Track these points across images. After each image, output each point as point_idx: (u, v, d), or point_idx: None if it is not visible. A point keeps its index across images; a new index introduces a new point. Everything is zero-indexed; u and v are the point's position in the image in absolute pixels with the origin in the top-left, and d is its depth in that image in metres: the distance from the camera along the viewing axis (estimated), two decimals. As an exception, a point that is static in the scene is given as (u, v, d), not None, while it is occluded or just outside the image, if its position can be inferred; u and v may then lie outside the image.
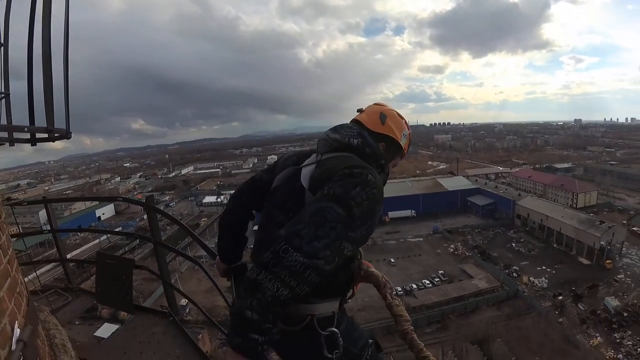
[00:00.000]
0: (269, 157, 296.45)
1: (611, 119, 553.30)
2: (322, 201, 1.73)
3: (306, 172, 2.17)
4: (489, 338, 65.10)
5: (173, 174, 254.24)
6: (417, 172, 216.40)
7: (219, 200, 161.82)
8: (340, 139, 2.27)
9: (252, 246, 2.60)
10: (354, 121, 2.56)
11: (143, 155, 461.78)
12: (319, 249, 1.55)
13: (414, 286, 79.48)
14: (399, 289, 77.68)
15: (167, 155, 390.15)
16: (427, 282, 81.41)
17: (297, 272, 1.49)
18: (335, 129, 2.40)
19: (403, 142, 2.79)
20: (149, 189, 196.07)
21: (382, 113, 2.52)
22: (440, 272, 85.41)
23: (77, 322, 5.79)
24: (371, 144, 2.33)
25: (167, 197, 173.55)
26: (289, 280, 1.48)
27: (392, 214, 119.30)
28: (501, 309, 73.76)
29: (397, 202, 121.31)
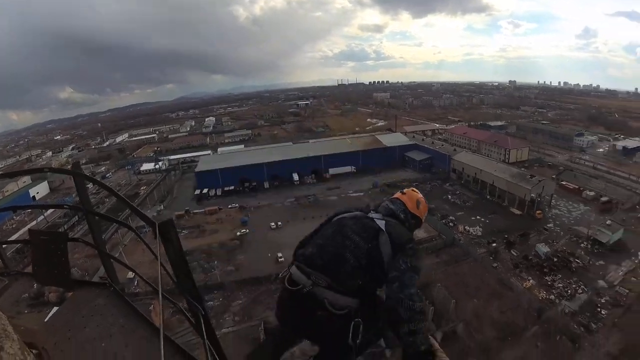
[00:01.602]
0: (206, 119, 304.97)
1: (545, 82, 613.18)
2: (411, 272, 3.95)
3: (378, 221, 4.20)
4: (429, 283, 73.22)
5: (107, 143, 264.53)
6: (357, 129, 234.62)
7: (157, 167, 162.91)
8: (395, 210, 4.45)
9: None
10: (396, 198, 4.67)
11: (74, 125, 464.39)
12: (419, 300, 3.79)
13: None
14: None
15: (99, 124, 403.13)
16: None
17: (420, 313, 3.69)
18: (392, 201, 4.58)
19: (423, 220, 4.79)
20: (83, 162, 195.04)
21: (418, 200, 4.62)
22: None
23: (25, 311, 5.94)
24: (409, 221, 4.51)
25: (102, 168, 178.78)
26: (421, 317, 3.70)
27: (332, 171, 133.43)
28: (440, 257, 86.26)
29: (338, 159, 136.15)
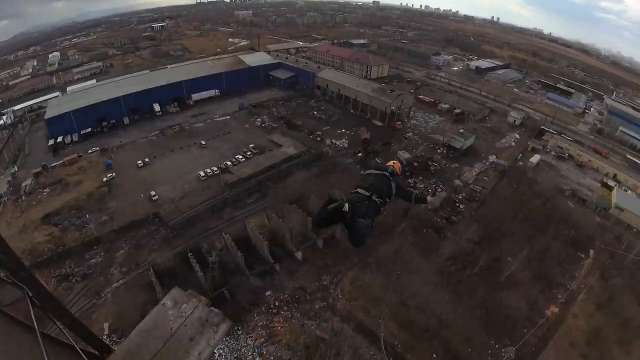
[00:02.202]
0: (50, 56, 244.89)
1: (407, 4, 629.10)
2: (403, 190, 10.01)
3: (388, 176, 9.77)
4: (304, 196, 75.43)
5: None
6: (218, 50, 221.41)
7: (0, 122, 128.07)
8: (391, 170, 9.92)
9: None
10: (390, 165, 10.32)
11: None
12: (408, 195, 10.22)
13: (229, 163, 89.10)
14: (215, 168, 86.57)
15: None
16: (240, 157, 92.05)
17: (410, 195, 10.24)
18: (386, 168, 9.94)
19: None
20: None
21: (398, 167, 10.38)
22: (251, 145, 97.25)
23: None
24: (396, 176, 9.94)
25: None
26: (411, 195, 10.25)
27: (195, 96, 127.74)
28: (311, 170, 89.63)
29: (200, 84, 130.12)
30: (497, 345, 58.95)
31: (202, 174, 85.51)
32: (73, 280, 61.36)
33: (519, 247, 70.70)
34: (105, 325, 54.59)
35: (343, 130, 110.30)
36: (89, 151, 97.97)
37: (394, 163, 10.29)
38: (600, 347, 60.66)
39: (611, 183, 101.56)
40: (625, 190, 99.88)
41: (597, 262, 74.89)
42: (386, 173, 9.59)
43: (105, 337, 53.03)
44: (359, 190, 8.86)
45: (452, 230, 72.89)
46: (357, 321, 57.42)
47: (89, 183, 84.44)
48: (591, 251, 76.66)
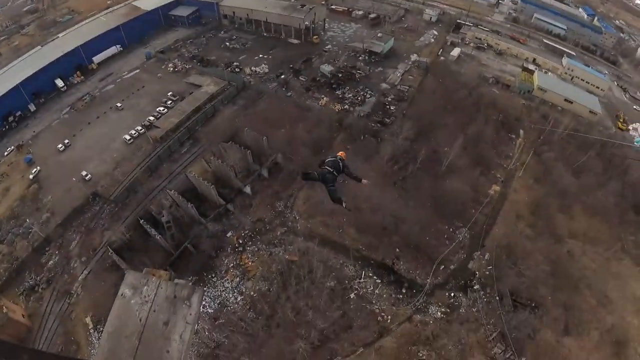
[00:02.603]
0: None
1: None
2: (349, 168, 15.83)
3: (339, 160, 15.80)
4: (237, 130, 73.32)
5: None
6: (109, 2, 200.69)
7: None
8: (340, 158, 15.91)
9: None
10: (338, 154, 16.21)
11: None
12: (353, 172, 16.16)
13: (152, 118, 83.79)
14: (139, 128, 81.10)
15: None
16: (162, 108, 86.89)
17: (353, 174, 16.08)
18: (336, 157, 15.95)
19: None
20: None
21: (344, 156, 16.23)
22: (169, 94, 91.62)
23: None
24: (344, 161, 15.86)
25: None
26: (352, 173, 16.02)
27: (97, 59, 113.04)
28: (237, 103, 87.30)
29: (98, 44, 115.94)
30: (450, 229, 64.06)
31: (127, 137, 79.80)
32: (39, 289, 59.03)
33: (454, 137, 74.14)
34: (88, 320, 53.77)
35: (261, 56, 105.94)
36: (5, 153, 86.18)
37: (341, 153, 16.02)
38: (545, 215, 67.68)
39: (531, 67, 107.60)
40: (546, 73, 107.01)
41: (528, 141, 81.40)
42: (337, 158, 15.57)
43: (92, 331, 53.14)
44: (325, 167, 15.11)
45: (387, 132, 74.97)
46: (319, 236, 59.55)
47: (17, 186, 76.62)
48: (521, 131, 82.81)
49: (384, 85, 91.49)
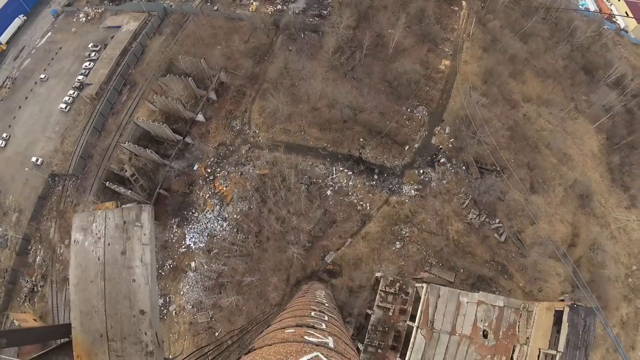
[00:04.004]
0: None
1: None
2: None
3: None
4: (172, 61, 69.51)
5: None
6: None
7: None
8: None
9: None
10: None
11: None
12: None
13: (81, 77, 77.68)
14: (71, 92, 74.85)
15: None
16: (87, 63, 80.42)
17: None
18: None
19: None
20: None
21: None
22: (90, 45, 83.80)
23: None
24: None
25: None
26: None
27: (3, 37, 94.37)
28: (163, 32, 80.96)
29: None
30: (409, 109, 64.09)
31: (63, 106, 74.09)
32: (38, 288, 59.26)
33: (396, 17, 71.36)
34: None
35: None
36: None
37: None
38: (497, 82, 68.12)
39: None
40: None
41: (471, 11, 79.03)
42: None
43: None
44: None
45: (327, 24, 71.24)
46: (283, 144, 58.83)
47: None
48: (463, 2, 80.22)
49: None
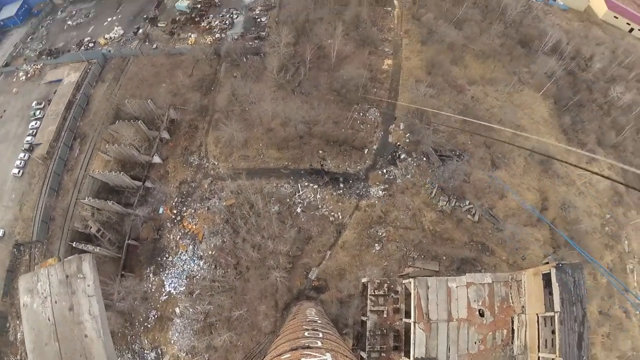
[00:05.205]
0: None
1: None
2: None
3: None
4: (119, 106, 67.88)
5: None
6: None
7: None
8: None
9: None
10: None
11: None
12: None
13: (29, 138, 74.95)
14: (22, 155, 72.90)
15: None
16: (34, 122, 77.36)
17: None
18: None
19: None
20: None
21: None
22: (34, 104, 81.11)
23: None
24: None
25: None
26: None
27: None
28: (106, 79, 78.17)
29: None
30: (361, 114, 64.27)
31: (16, 171, 70.60)
32: None
33: (333, 27, 71.77)
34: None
35: (109, 20, 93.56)
36: None
37: None
38: (441, 72, 69.39)
39: None
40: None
41: (404, 9, 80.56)
42: None
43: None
44: None
45: (267, 45, 70.94)
46: (244, 171, 57.92)
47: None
48: (395, 2, 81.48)
49: (246, 0, 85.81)
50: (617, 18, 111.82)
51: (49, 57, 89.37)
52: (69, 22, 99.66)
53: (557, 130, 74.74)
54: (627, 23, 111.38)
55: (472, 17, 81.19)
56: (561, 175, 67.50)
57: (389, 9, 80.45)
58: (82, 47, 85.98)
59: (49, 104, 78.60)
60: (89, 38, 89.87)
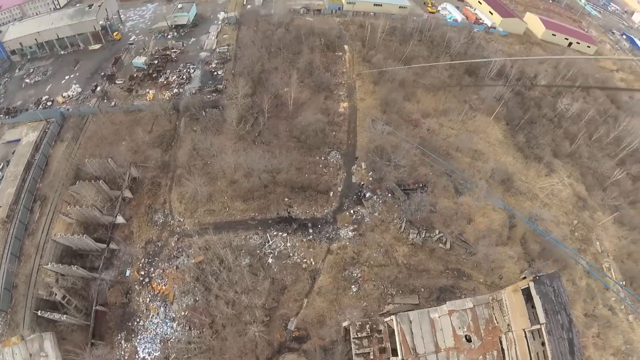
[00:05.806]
0: None
1: None
2: None
3: None
4: (79, 166, 65.40)
5: None
6: None
7: None
8: None
9: None
10: None
11: None
12: None
13: None
14: None
15: None
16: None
17: None
18: None
19: None
20: None
21: None
22: None
23: None
24: None
25: None
26: None
27: None
28: (65, 138, 75.57)
29: None
30: (323, 157, 64.86)
31: None
32: None
33: (288, 75, 73.31)
34: None
35: (67, 77, 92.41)
36: None
37: None
38: (395, 109, 73.11)
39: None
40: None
41: (354, 52, 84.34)
42: None
43: None
44: None
45: (225, 97, 71.31)
46: (211, 225, 56.82)
47: None
48: (345, 46, 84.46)
49: (203, 54, 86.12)
50: (555, 35, 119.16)
51: (6, 116, 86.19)
52: (27, 80, 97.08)
53: (512, 149, 77.94)
54: (566, 38, 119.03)
55: (419, 53, 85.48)
56: (523, 192, 69.87)
57: (340, 53, 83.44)
58: (40, 106, 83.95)
59: (7, 165, 75.08)
60: (47, 96, 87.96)
